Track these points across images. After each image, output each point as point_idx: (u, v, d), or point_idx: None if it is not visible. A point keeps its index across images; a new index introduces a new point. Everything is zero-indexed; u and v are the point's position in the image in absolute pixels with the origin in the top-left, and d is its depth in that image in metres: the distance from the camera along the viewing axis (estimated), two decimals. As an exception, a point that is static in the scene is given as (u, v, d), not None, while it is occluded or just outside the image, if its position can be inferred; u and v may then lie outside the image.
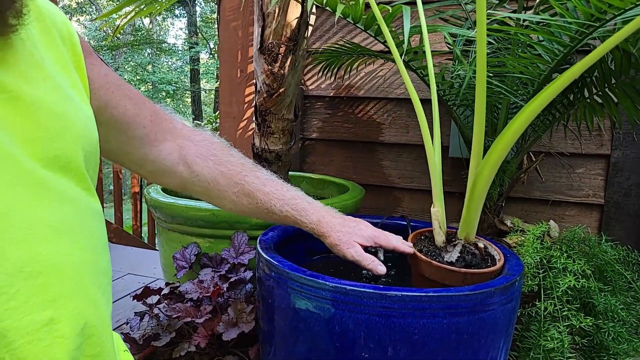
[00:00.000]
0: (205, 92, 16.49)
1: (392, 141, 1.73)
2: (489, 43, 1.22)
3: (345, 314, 0.76)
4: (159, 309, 1.11)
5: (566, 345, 0.90)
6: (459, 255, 0.91)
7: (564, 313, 0.92)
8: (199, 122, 13.05)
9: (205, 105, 15.98)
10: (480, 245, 0.96)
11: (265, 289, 0.89)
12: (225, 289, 1.01)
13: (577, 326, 0.93)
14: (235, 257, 1.15)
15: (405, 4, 1.10)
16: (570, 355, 0.93)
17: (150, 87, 14.37)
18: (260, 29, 1.31)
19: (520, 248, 1.08)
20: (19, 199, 0.39)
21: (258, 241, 0.95)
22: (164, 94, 14.55)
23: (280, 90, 1.34)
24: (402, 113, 1.70)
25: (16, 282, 0.37)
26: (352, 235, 0.84)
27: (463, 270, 0.86)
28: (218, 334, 0.98)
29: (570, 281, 0.93)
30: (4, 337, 0.36)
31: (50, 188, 0.42)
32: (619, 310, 1.01)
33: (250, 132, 1.85)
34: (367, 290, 0.74)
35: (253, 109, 1.42)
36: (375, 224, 1.15)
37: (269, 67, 1.32)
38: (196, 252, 1.19)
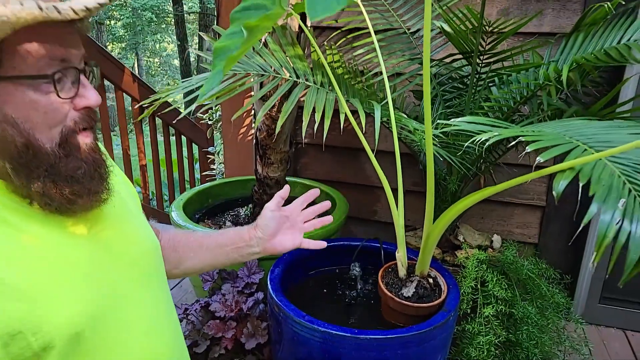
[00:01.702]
0: (188, 14, 15.93)
1: (373, 148, 2.01)
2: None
3: (332, 346, 1.11)
4: (194, 314, 1.46)
5: (489, 350, 1.28)
6: (414, 290, 1.25)
7: (489, 329, 1.29)
8: (179, 43, 12.93)
9: (189, 23, 15.46)
10: (432, 276, 1.30)
11: (275, 318, 1.23)
12: (244, 309, 1.36)
13: (499, 335, 1.30)
14: (248, 275, 1.49)
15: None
16: (493, 351, 1.32)
17: (131, 12, 13.89)
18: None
19: (463, 269, 1.43)
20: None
21: (269, 279, 1.28)
22: (145, 20, 14.13)
23: (279, 131, 1.60)
24: (381, 127, 1.97)
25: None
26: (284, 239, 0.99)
27: (415, 305, 1.20)
28: (240, 342, 1.35)
29: (493, 307, 1.29)
30: None
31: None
32: (532, 316, 1.38)
33: (250, 137, 2.11)
34: (346, 334, 1.09)
35: (253, 140, 1.69)
36: (355, 247, 1.50)
37: (269, 113, 1.58)
38: (217, 270, 1.52)
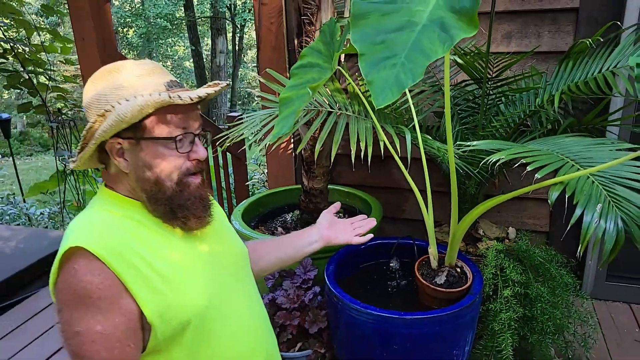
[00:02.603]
0: (201, 19, 16.27)
1: (400, 156, 2.29)
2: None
3: (382, 325, 1.41)
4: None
5: (510, 325, 1.57)
6: (445, 279, 1.54)
7: (509, 307, 1.57)
8: (193, 47, 13.33)
9: (199, 25, 15.79)
10: (459, 266, 1.59)
11: (333, 305, 1.53)
12: (305, 300, 1.67)
13: (517, 312, 1.59)
14: (304, 273, 1.80)
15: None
16: (513, 325, 1.60)
17: (145, 22, 14.28)
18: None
19: (485, 258, 1.71)
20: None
21: (326, 275, 1.58)
22: (160, 28, 14.53)
23: (321, 149, 1.89)
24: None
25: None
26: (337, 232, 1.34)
27: (447, 290, 1.49)
28: (303, 328, 1.65)
29: (511, 289, 1.57)
30: None
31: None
32: (544, 294, 1.66)
33: (289, 152, 2.41)
34: (394, 316, 1.38)
35: (292, 155, 1.99)
36: (391, 244, 1.79)
37: (313, 135, 1.87)
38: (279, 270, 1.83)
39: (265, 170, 3.12)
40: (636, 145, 1.14)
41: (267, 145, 2.00)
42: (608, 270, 2.16)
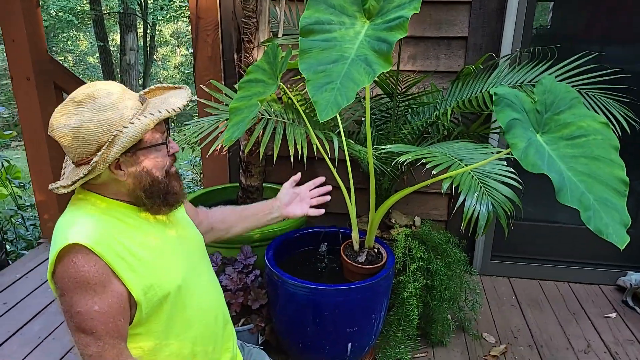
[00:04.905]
0: (108, 14, 15.58)
1: (321, 157, 2.60)
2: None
3: (315, 296, 1.70)
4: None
5: (415, 293, 1.94)
6: (365, 258, 1.87)
7: (415, 279, 1.94)
8: (101, 43, 12.79)
9: (105, 20, 15.05)
10: (376, 248, 1.93)
11: (273, 283, 1.80)
12: (247, 282, 1.92)
13: (421, 282, 1.96)
14: (244, 259, 2.04)
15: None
16: (419, 293, 1.97)
17: (49, 15, 13.42)
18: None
19: (396, 241, 2.08)
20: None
21: (266, 258, 1.84)
22: (64, 22, 13.74)
23: (257, 151, 2.15)
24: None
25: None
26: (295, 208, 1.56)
27: (367, 267, 1.82)
28: (246, 305, 1.90)
29: (416, 264, 1.94)
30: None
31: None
32: (442, 269, 2.06)
33: (223, 154, 2.63)
34: (325, 287, 1.68)
35: (227, 156, 2.23)
36: (319, 232, 2.09)
37: (249, 137, 2.12)
38: (221, 257, 2.06)
39: (199, 171, 3.30)
40: (500, 150, 1.55)
41: (201, 148, 2.20)
42: (492, 251, 2.65)
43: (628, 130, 1.82)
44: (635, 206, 2.58)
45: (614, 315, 2.37)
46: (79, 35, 16.52)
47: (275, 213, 1.54)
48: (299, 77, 2.31)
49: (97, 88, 1.03)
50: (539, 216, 2.65)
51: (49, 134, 1.04)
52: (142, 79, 13.60)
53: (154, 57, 17.28)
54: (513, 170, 1.52)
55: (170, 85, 1.18)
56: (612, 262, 2.63)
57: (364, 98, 2.26)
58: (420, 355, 2.09)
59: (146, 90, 1.17)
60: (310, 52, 1.19)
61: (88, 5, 13.53)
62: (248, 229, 1.53)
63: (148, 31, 14.92)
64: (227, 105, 2.00)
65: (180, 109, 1.08)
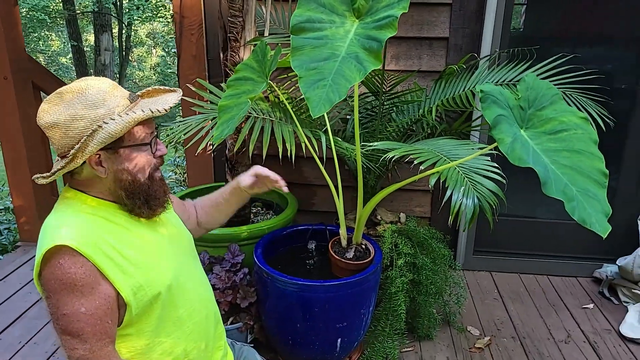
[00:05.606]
0: (82, 14, 15.29)
1: (309, 156, 2.63)
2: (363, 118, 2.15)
3: (305, 292, 1.72)
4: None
5: (403, 287, 1.97)
6: (353, 254, 1.90)
7: (402, 274, 1.98)
8: (75, 43, 12.51)
9: (78, 20, 14.73)
10: (364, 244, 1.96)
11: (263, 281, 1.81)
12: (236, 280, 1.92)
13: (408, 277, 2.00)
14: (232, 258, 2.05)
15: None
16: (406, 287, 2.01)
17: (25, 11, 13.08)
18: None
19: (383, 237, 2.11)
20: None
21: (255, 256, 1.85)
22: (37, 21, 13.42)
23: (244, 150, 2.16)
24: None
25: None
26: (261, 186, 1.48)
27: (355, 262, 1.85)
28: (235, 303, 1.91)
29: (403, 259, 1.98)
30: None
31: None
32: (427, 264, 2.10)
33: (208, 153, 2.63)
34: (315, 283, 1.70)
35: (211, 156, 2.23)
36: (307, 230, 2.11)
37: (235, 136, 2.13)
38: (208, 256, 2.06)
39: (183, 171, 3.28)
40: (485, 145, 1.60)
41: (186, 148, 2.20)
42: (474, 246, 2.71)
43: (603, 128, 1.90)
44: (609, 201, 2.68)
45: (591, 306, 2.46)
46: (50, 35, 16.16)
47: (246, 197, 1.49)
48: (285, 76, 2.32)
49: (88, 83, 1.04)
50: (519, 212, 2.72)
51: (37, 123, 1.04)
52: (117, 80, 13.38)
53: (130, 57, 17.03)
54: (497, 165, 1.56)
55: (167, 88, 1.19)
56: (589, 255, 2.72)
57: (349, 96, 2.29)
58: (408, 349, 2.13)
59: (144, 90, 1.17)
60: (302, 49, 1.21)
61: (61, 4, 13.26)
62: (227, 214, 1.50)
63: (123, 31, 14.70)
64: (212, 103, 2.00)
65: (166, 110, 1.07)
